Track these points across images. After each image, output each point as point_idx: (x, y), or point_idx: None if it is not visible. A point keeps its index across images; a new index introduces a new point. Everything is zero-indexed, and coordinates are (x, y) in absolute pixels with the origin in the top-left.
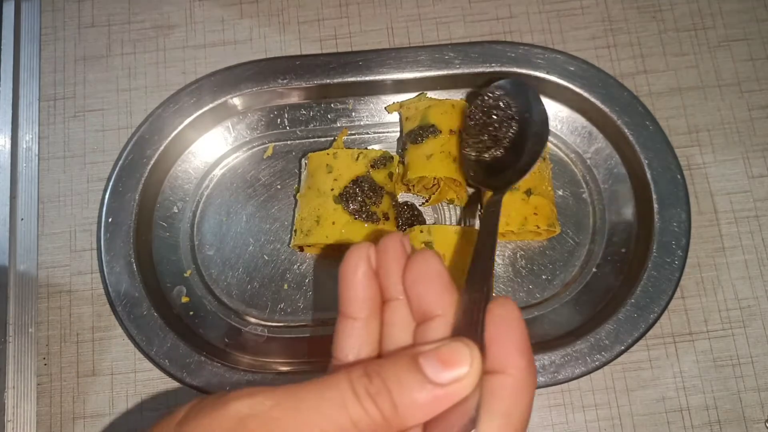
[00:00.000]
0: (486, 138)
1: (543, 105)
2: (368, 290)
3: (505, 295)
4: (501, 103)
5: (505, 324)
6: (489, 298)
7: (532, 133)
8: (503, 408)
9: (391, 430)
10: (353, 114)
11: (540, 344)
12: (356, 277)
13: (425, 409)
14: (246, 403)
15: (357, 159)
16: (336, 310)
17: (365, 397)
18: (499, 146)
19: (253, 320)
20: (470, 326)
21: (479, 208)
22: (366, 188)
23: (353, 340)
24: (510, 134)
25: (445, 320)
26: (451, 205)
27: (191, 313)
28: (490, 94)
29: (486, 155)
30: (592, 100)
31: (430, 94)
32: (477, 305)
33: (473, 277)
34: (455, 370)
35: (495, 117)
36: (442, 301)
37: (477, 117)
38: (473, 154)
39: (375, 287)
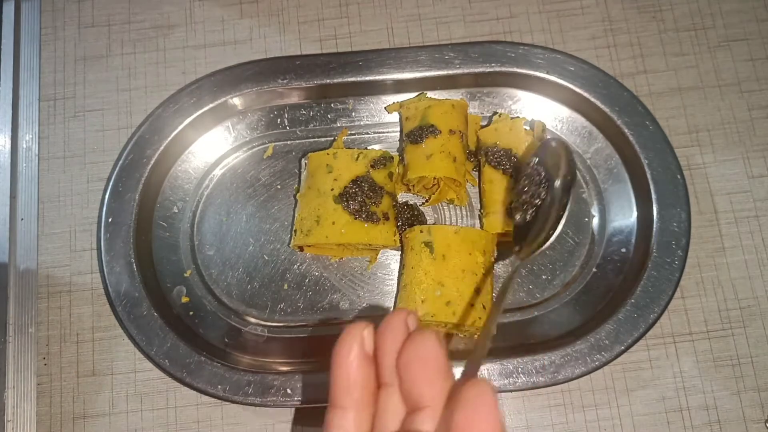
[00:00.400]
0: (530, 201)
1: (575, 170)
2: (360, 375)
3: (482, 378)
4: (542, 172)
5: (474, 409)
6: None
7: (557, 200)
8: None
9: None
10: (353, 114)
11: (540, 344)
12: (348, 359)
13: None
14: None
15: (357, 159)
16: (336, 310)
17: None
18: (532, 209)
19: (253, 320)
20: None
21: (480, 208)
22: (366, 188)
23: None
24: (541, 199)
25: (433, 414)
26: (451, 205)
27: (191, 313)
28: (537, 164)
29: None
30: (592, 100)
31: (430, 94)
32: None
33: (470, 364)
34: None
35: (540, 185)
36: (432, 391)
37: (527, 185)
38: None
39: (368, 373)
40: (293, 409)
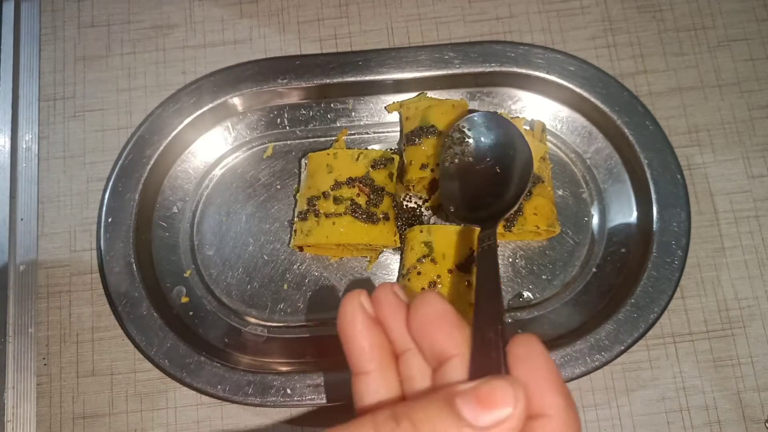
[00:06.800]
0: (461, 175)
1: (524, 138)
2: (373, 338)
3: (528, 333)
4: (470, 140)
5: (531, 362)
6: (505, 338)
7: (517, 166)
8: None
9: None
10: (353, 114)
11: None
12: (356, 328)
13: None
14: None
15: (357, 159)
16: (336, 310)
17: None
18: (479, 181)
19: (252, 320)
20: (492, 367)
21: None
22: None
23: (372, 394)
24: (490, 169)
25: (462, 359)
26: None
27: (191, 313)
28: (459, 133)
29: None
30: (592, 99)
31: (430, 93)
32: (494, 345)
33: (483, 317)
34: (497, 411)
35: (468, 156)
36: (454, 340)
37: (449, 158)
38: (452, 199)
39: (379, 335)
40: (293, 409)
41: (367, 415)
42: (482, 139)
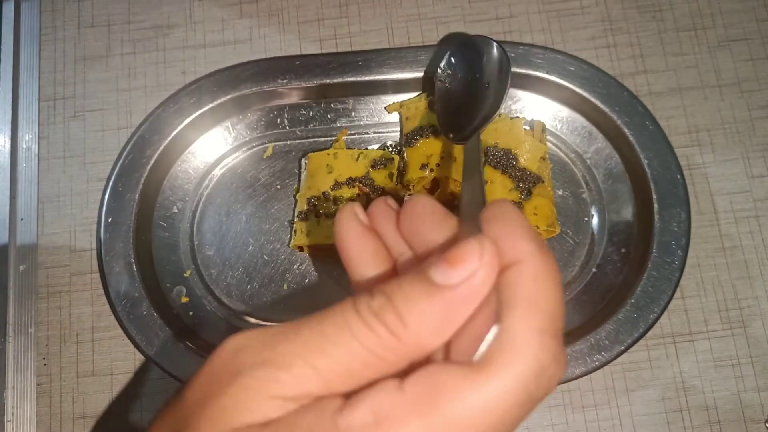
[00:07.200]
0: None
1: (505, 56)
2: (367, 244)
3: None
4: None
5: (501, 218)
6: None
7: (493, 82)
8: (525, 293)
9: (407, 352)
10: (353, 114)
11: None
12: (350, 235)
13: (438, 319)
14: (241, 335)
15: (357, 159)
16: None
17: (368, 314)
18: (459, 100)
19: (252, 320)
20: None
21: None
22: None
23: None
24: (468, 87)
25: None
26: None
27: (191, 313)
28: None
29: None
30: (592, 100)
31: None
32: (476, 227)
33: (467, 207)
34: (465, 266)
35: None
36: (441, 231)
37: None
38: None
39: (375, 241)
40: None
41: (348, 298)
42: (461, 64)
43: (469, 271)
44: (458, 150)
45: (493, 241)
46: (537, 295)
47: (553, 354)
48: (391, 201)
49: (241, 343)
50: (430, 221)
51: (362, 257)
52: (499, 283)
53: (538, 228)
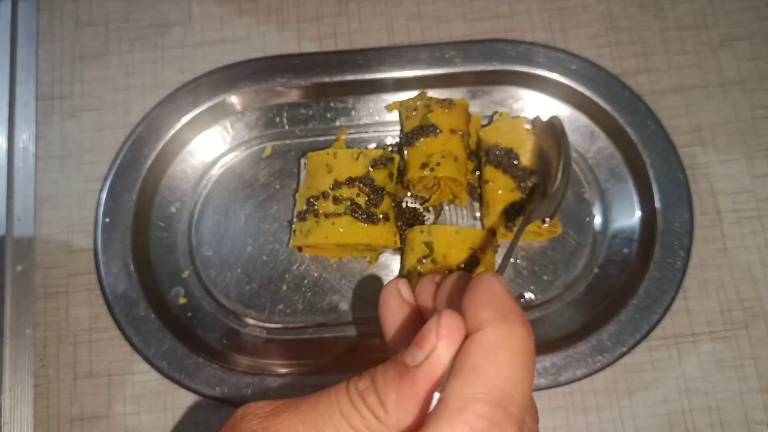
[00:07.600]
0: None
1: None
2: (408, 319)
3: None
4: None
5: (473, 288)
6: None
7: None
8: (471, 361)
9: (389, 430)
10: (353, 113)
11: (542, 345)
12: (391, 311)
13: (412, 400)
14: (253, 404)
15: (357, 159)
16: (335, 311)
17: (355, 396)
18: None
19: (251, 321)
20: None
21: (480, 207)
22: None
23: None
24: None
25: None
26: (451, 205)
27: (189, 314)
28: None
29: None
30: (594, 99)
31: (431, 92)
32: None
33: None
34: (426, 345)
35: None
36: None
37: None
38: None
39: (414, 317)
40: None
41: (345, 380)
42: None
43: (429, 348)
44: (458, 149)
45: (454, 314)
46: (484, 363)
47: (490, 421)
48: (437, 278)
49: (249, 410)
50: (457, 296)
51: (397, 329)
52: (459, 350)
53: (540, 228)
